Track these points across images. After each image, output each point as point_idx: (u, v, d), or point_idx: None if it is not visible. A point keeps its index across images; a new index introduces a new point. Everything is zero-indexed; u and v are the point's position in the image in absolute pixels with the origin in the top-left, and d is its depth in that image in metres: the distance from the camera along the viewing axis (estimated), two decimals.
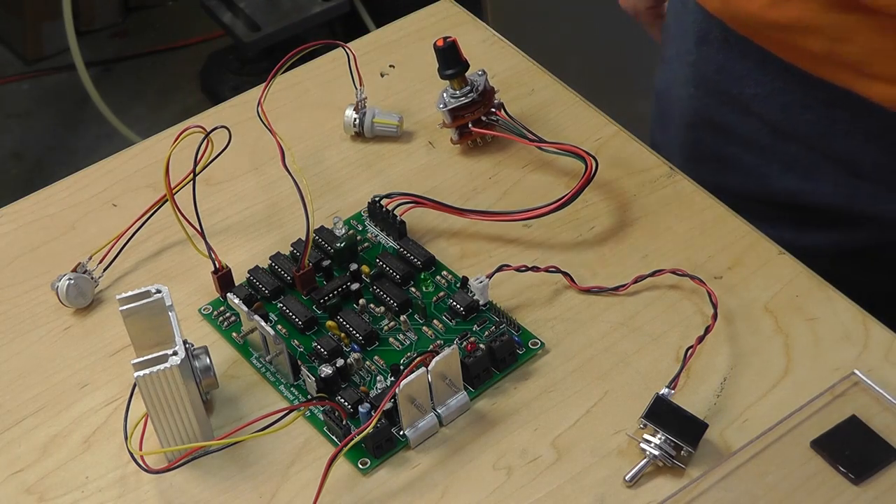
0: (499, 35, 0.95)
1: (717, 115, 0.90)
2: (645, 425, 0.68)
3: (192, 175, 0.75)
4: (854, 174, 0.86)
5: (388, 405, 0.68)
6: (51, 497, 0.69)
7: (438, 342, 0.74)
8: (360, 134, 0.88)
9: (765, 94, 0.84)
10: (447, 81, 0.84)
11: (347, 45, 0.87)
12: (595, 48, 1.60)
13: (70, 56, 2.09)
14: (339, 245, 0.78)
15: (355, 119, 0.87)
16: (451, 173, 0.85)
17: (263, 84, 0.83)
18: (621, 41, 1.55)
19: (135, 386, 0.67)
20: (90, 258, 0.80)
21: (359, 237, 0.80)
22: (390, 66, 0.93)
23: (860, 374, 0.70)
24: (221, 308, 0.77)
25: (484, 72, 0.84)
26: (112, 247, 0.80)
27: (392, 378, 0.72)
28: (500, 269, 0.76)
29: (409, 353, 0.73)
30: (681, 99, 0.95)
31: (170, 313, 0.68)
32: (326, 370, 0.71)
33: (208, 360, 0.71)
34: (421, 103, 0.90)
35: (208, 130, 0.74)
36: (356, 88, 0.86)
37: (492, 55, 0.93)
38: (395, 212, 0.80)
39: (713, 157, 0.92)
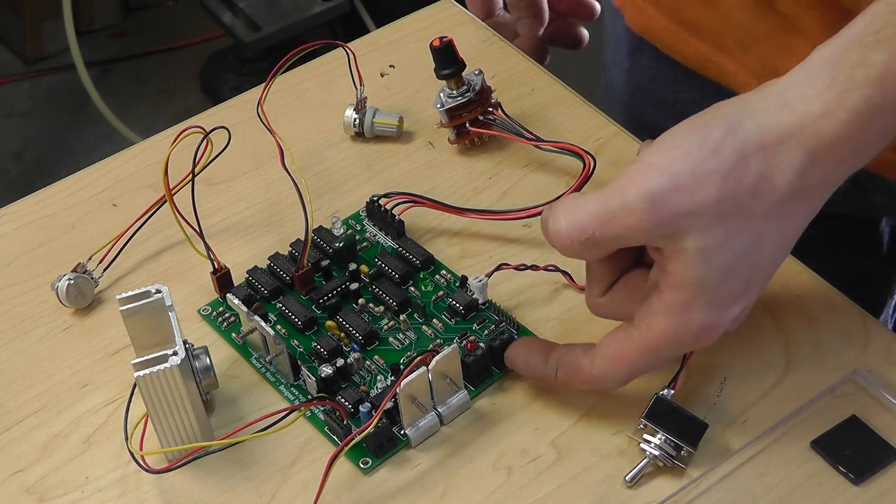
0: (499, 35, 0.95)
1: (653, 119, 0.90)
2: (645, 425, 0.68)
3: (191, 175, 0.75)
4: None
5: (389, 404, 0.68)
6: (51, 497, 0.69)
7: (438, 341, 0.74)
8: (360, 134, 0.88)
9: (699, 97, 0.84)
10: (444, 81, 0.84)
11: (347, 45, 0.87)
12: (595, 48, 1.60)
13: (70, 56, 2.09)
14: (337, 245, 0.78)
15: (355, 119, 0.87)
16: (451, 173, 0.85)
17: (263, 84, 0.82)
18: None
19: (135, 386, 0.67)
20: (90, 258, 0.80)
21: (357, 237, 0.80)
22: (390, 66, 0.93)
23: (860, 374, 0.70)
24: (221, 308, 0.77)
25: (481, 71, 0.84)
26: (112, 247, 0.80)
27: (392, 377, 0.72)
28: (499, 267, 0.76)
29: (409, 353, 0.73)
30: (620, 103, 0.97)
31: (170, 313, 0.68)
32: (326, 370, 0.71)
33: (208, 360, 0.71)
34: (421, 103, 0.90)
35: (208, 130, 0.74)
36: (356, 88, 0.86)
37: (491, 55, 0.93)
38: (393, 211, 0.80)
39: None
